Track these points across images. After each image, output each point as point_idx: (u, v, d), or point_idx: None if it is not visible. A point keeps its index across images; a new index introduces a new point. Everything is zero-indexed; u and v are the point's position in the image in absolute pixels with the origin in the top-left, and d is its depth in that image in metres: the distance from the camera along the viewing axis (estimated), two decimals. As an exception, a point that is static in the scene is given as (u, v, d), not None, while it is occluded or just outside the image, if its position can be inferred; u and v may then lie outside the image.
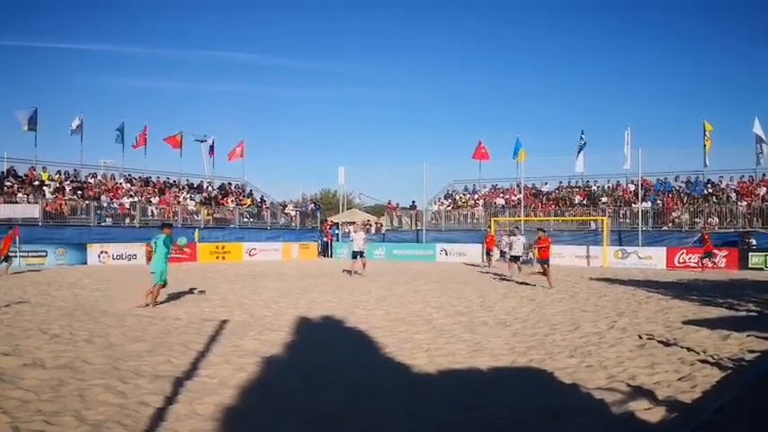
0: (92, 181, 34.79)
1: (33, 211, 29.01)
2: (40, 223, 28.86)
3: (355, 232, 23.72)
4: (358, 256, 22.88)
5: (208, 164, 42.27)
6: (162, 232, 14.09)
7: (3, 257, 21.95)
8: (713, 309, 13.40)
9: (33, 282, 19.40)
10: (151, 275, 13.77)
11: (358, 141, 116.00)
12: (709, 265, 27.11)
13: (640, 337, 9.83)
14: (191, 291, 16.78)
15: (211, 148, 41.31)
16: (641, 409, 5.92)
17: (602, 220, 31.79)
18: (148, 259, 13.58)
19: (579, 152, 35.95)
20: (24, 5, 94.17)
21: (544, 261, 18.95)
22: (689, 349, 8.74)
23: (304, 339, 9.93)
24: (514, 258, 22.00)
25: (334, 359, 8.29)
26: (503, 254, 27.52)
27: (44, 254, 27.24)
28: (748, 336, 9.66)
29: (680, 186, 35.00)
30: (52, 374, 7.11)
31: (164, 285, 13.82)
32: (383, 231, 41.70)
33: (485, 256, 28.35)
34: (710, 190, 33.48)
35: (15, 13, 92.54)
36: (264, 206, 40.75)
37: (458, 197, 41.75)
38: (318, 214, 43.77)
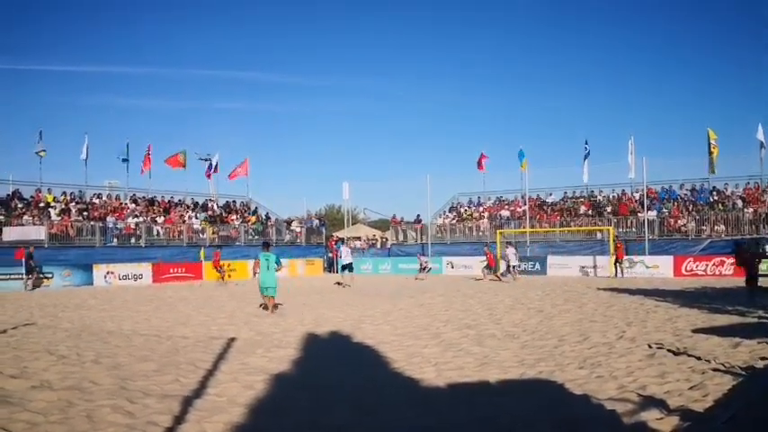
0: (97, 202, 34.89)
1: (39, 232, 29.06)
2: (46, 245, 28.88)
3: (346, 248, 27.57)
4: (346, 270, 25.81)
5: (212, 182, 42.35)
6: (266, 251, 16.07)
7: (218, 270, 28.18)
8: (722, 317, 13.31)
9: (40, 304, 19.40)
10: (266, 289, 15.71)
11: (362, 156, 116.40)
12: (621, 273, 28.19)
13: (650, 347, 9.76)
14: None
15: (215, 165, 40.87)
16: (653, 419, 5.87)
17: (608, 229, 31.70)
18: (254, 274, 16.63)
19: (585, 160, 36.18)
20: (26, 29, 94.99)
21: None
22: (699, 358, 8.67)
23: (312, 356, 9.91)
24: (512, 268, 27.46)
25: (342, 375, 8.26)
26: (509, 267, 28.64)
27: (50, 275, 27.25)
28: (759, 343, 9.58)
29: (685, 194, 34.89)
30: (60, 396, 7.08)
31: (273, 297, 15.86)
32: (388, 246, 41.66)
33: (485, 270, 28.69)
34: (716, 197, 33.37)
35: (18, 36, 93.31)
36: (269, 223, 40.76)
37: (462, 210, 41.71)
38: (323, 230, 43.75)
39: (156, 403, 6.76)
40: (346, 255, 26.37)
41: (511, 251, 28.44)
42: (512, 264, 28.15)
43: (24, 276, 26.07)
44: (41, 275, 26.91)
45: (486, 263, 28.63)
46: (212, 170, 40.49)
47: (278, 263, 15.81)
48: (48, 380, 7.94)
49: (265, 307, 16.02)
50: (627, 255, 28.95)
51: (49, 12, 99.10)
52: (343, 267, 26.04)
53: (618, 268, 28.32)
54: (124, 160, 36.44)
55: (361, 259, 39.15)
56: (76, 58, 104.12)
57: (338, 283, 26.39)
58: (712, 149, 31.85)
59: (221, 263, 29.10)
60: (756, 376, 7.52)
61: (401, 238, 41.43)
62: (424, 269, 30.59)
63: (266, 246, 16.61)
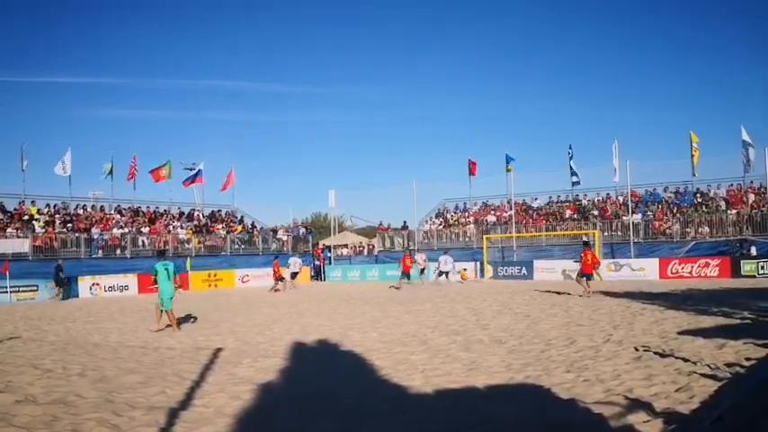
0: (81, 213, 34.63)
1: (23, 245, 28.86)
2: (30, 257, 28.71)
3: (294, 257, 32.79)
4: (295, 276, 30.96)
5: (198, 192, 42.14)
6: (163, 260, 14.96)
7: (277, 278, 29.13)
8: (708, 318, 13.39)
9: (25, 317, 19.23)
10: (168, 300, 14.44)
11: (348, 164, 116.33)
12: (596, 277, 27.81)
13: (636, 350, 9.81)
14: (187, 318, 16.59)
15: (197, 174, 40.41)
16: (640, 421, 5.89)
17: (594, 233, 31.85)
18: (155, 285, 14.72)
19: (572, 170, 36.42)
20: (7, 41, 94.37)
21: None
22: (685, 360, 8.72)
23: (299, 365, 9.88)
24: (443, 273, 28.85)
25: (330, 383, 8.24)
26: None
27: (35, 288, 27.02)
28: (744, 343, 9.65)
29: (669, 197, 35.14)
30: (45, 410, 7.02)
31: (170, 309, 14.55)
32: (375, 253, 41.65)
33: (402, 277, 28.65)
34: (700, 200, 33.63)
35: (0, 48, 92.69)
36: (255, 232, 40.63)
37: (449, 215, 41.78)
38: (310, 238, 43.65)
39: (142, 415, 6.72)
40: (294, 265, 31.29)
41: (421, 257, 30.83)
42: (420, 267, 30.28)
43: (55, 287, 27.11)
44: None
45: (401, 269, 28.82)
46: (192, 180, 40.08)
47: (176, 272, 14.80)
48: (33, 394, 7.88)
49: (173, 323, 14.57)
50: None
51: (31, 23, 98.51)
52: (293, 275, 30.82)
53: (595, 272, 28.38)
54: (108, 172, 36.31)
55: (349, 266, 39.16)
56: (60, 69, 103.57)
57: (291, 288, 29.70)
58: (694, 152, 32.09)
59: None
60: (742, 377, 7.57)
61: (388, 244, 41.40)
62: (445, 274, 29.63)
63: (162, 254, 15.60)
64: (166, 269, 14.55)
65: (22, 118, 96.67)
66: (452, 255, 30.38)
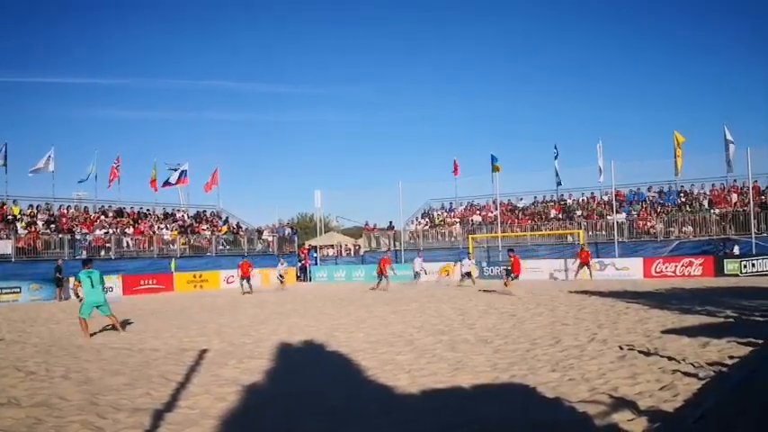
0: (66, 213, 34.31)
1: (6, 247, 28.58)
2: (13, 259, 28.45)
3: (281, 264, 32.56)
4: (282, 279, 31.52)
5: (182, 192, 41.85)
6: (88, 268, 14.53)
7: (245, 278, 28.30)
8: (691, 317, 13.49)
9: (7, 318, 19.06)
10: (97, 308, 14.28)
11: (336, 164, 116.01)
12: (584, 275, 28.22)
13: (621, 348, 9.87)
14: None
15: (182, 175, 40.09)
16: (624, 420, 5.92)
17: (579, 233, 32.01)
18: (77, 295, 14.94)
19: (555, 161, 36.58)
20: (5, 40, 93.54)
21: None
22: (669, 358, 8.78)
23: (285, 366, 9.85)
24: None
25: (316, 384, 8.22)
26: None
27: (18, 290, 26.74)
28: (727, 342, 9.74)
29: (653, 197, 35.36)
30: (28, 413, 6.96)
31: (109, 315, 14.52)
32: (361, 253, 41.64)
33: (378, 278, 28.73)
34: (683, 199, 33.87)
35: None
36: (241, 232, 40.49)
37: (435, 215, 41.83)
38: (296, 239, 43.55)
39: (126, 418, 6.67)
40: (280, 267, 31.88)
41: (417, 262, 31.26)
42: (415, 270, 31.16)
43: (56, 289, 27.19)
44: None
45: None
46: (176, 181, 39.73)
47: (101, 281, 14.42)
48: (15, 397, 7.81)
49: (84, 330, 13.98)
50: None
51: (27, 23, 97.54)
52: (280, 276, 31.55)
53: (580, 271, 28.50)
54: (81, 182, 36.31)
55: (335, 267, 39.15)
56: (57, 69, 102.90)
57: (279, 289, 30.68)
58: (678, 152, 32.27)
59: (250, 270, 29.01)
60: (725, 375, 7.63)
61: (374, 245, 41.40)
62: (468, 275, 29.19)
63: (87, 263, 15.14)
64: (89, 277, 14.23)
65: (2, 117, 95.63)
66: (441, 255, 30.59)
